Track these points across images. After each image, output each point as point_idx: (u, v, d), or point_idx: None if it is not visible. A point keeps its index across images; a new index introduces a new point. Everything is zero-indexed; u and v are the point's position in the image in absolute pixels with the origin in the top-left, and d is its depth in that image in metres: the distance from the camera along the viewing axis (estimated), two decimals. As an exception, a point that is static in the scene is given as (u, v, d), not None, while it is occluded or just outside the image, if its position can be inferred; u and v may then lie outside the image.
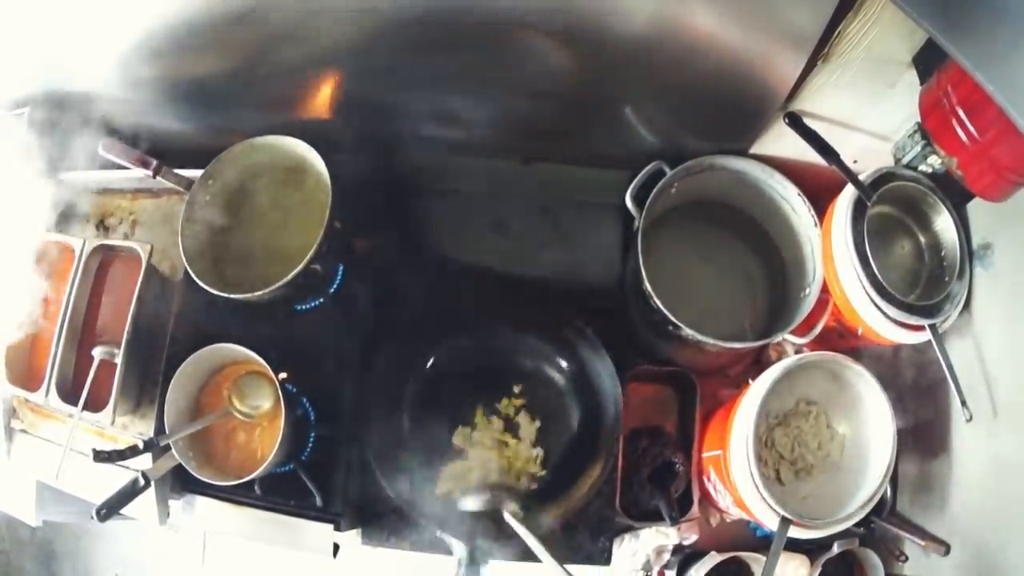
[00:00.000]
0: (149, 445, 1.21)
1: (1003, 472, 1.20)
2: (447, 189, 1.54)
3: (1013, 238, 1.20)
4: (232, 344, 1.26)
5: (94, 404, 1.30)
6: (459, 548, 1.25)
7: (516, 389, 1.39)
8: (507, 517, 1.22)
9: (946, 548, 1.28)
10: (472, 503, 1.28)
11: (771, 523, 1.18)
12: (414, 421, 1.38)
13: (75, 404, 1.30)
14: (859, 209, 1.23)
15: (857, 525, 1.21)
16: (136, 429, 1.37)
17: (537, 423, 1.38)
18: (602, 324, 1.37)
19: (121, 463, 1.23)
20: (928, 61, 1.12)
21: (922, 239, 1.33)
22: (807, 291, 1.32)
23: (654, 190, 1.33)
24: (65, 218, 1.50)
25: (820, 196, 1.34)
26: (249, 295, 1.22)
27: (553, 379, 1.41)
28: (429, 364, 1.42)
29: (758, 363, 1.50)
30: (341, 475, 1.34)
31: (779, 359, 1.30)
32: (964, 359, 1.24)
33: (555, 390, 1.41)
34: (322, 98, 1.33)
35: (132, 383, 1.35)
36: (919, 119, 1.17)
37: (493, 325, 1.41)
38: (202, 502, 1.35)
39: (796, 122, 1.20)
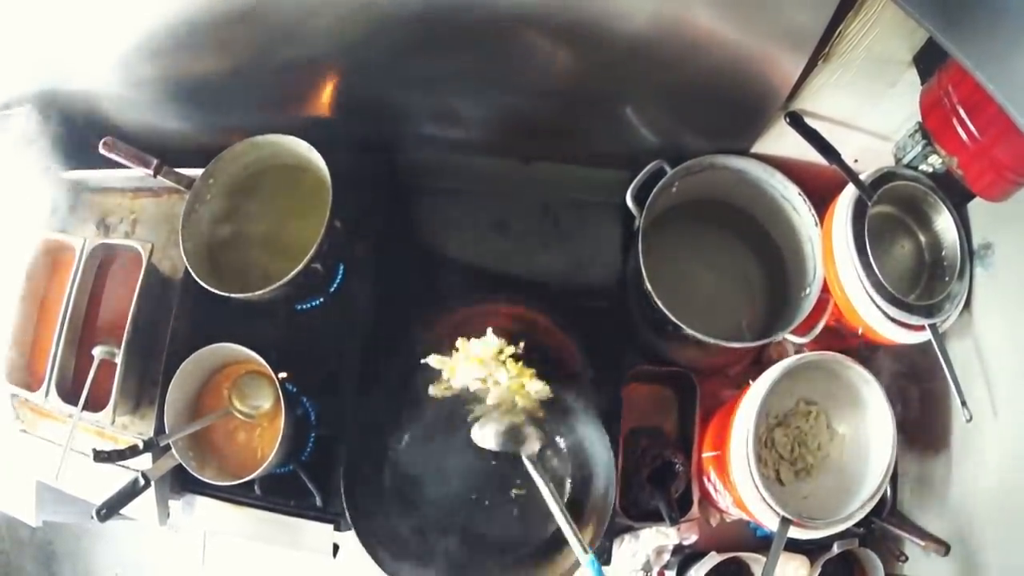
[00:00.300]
0: (149, 445, 1.21)
1: (1003, 472, 1.19)
2: (447, 188, 1.54)
3: (1013, 238, 1.20)
4: (232, 344, 1.26)
5: (94, 404, 1.30)
6: None
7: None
8: (525, 461, 1.15)
9: (946, 548, 1.28)
10: (489, 436, 1.18)
11: (771, 523, 1.18)
12: (413, 422, 1.37)
13: (75, 404, 1.29)
14: (860, 209, 1.23)
15: (857, 525, 1.21)
16: (136, 429, 1.37)
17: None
18: (602, 324, 1.37)
19: (121, 463, 1.23)
20: (929, 60, 1.12)
21: (922, 239, 1.33)
22: (807, 291, 1.32)
23: (655, 189, 1.32)
24: (65, 217, 1.50)
25: (821, 196, 1.33)
26: (249, 294, 1.22)
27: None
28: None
29: (758, 363, 1.50)
30: (341, 475, 1.33)
31: (779, 359, 1.29)
32: (964, 359, 1.23)
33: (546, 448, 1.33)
34: (323, 97, 1.33)
35: (132, 383, 1.34)
36: (920, 119, 1.17)
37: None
38: (202, 502, 1.35)
39: (797, 121, 1.20)
